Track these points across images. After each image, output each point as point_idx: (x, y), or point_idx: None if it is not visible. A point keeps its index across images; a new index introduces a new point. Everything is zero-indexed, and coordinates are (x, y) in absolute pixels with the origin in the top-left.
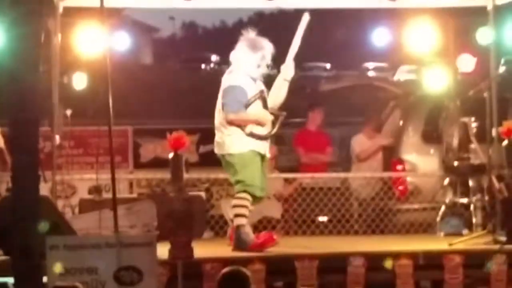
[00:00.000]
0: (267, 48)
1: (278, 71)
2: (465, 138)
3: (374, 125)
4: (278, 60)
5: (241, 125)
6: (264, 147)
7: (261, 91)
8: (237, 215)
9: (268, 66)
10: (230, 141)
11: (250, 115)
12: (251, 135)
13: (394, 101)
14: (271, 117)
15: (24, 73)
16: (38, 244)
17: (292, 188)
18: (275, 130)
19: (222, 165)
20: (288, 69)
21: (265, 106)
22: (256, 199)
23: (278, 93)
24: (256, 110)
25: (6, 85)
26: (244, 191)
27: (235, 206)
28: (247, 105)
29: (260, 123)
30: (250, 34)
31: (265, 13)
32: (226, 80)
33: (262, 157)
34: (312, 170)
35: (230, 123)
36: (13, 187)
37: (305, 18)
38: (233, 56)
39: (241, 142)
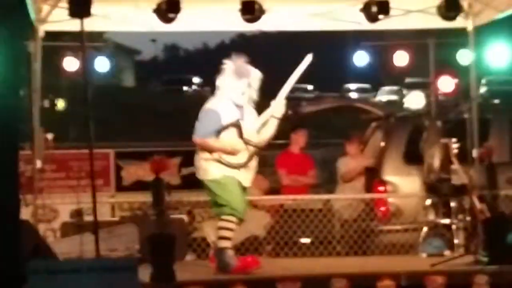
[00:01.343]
0: (253, 75)
1: (263, 97)
2: (446, 159)
3: (357, 146)
4: (264, 82)
5: (207, 151)
6: (241, 176)
7: (237, 120)
8: (221, 238)
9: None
10: (205, 166)
11: (217, 142)
12: (219, 161)
13: (375, 122)
14: (243, 147)
15: (4, 97)
16: (19, 270)
17: (274, 210)
18: (244, 161)
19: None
20: (278, 107)
21: (240, 135)
22: (241, 220)
23: (265, 129)
24: (228, 138)
25: None
26: (231, 214)
27: (220, 228)
28: (219, 131)
29: (227, 152)
30: (237, 59)
31: (247, 35)
32: (206, 103)
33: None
34: (294, 192)
35: (198, 146)
36: None
37: (308, 59)
38: (218, 81)
39: (214, 167)
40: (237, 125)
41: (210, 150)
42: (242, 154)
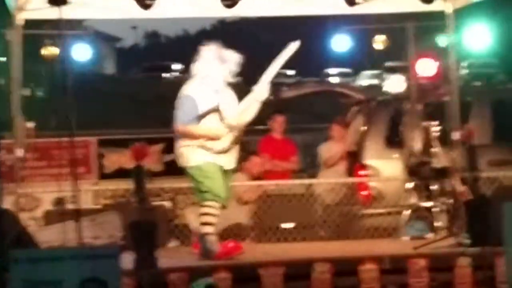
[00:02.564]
0: (234, 59)
1: (244, 82)
2: (427, 142)
3: (342, 130)
4: (243, 68)
5: (190, 138)
6: (223, 160)
7: (217, 105)
8: (204, 223)
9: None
10: (187, 153)
11: (199, 129)
12: (202, 147)
13: (356, 107)
14: (225, 132)
15: None
16: (0, 258)
17: (256, 194)
18: (227, 145)
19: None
20: (261, 91)
21: (221, 119)
22: (222, 207)
23: (247, 112)
24: (209, 123)
25: None
26: (213, 200)
27: (202, 214)
28: (200, 117)
29: (210, 138)
30: (215, 45)
31: (227, 22)
32: (183, 89)
33: (222, 168)
34: (277, 177)
35: (180, 134)
36: None
37: (294, 46)
38: (196, 66)
39: (196, 154)
40: (217, 110)
41: (193, 137)
42: (225, 139)
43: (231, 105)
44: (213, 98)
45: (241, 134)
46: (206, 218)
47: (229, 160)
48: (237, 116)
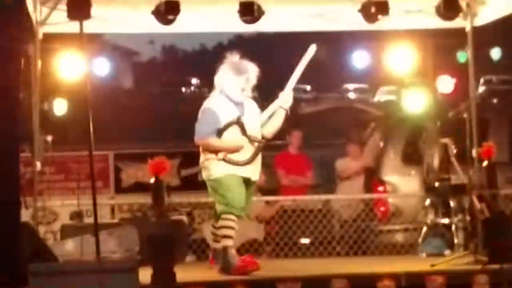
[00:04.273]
0: (252, 70)
1: (261, 97)
2: (445, 159)
3: (358, 147)
4: (260, 83)
5: (210, 151)
6: (246, 171)
7: (238, 117)
8: (224, 236)
9: (252, 89)
10: (209, 166)
11: (220, 142)
12: (224, 160)
13: (374, 123)
14: (246, 144)
15: (3, 99)
16: (19, 272)
17: (274, 210)
18: (249, 158)
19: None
20: (286, 97)
21: (243, 132)
22: (239, 218)
23: (273, 121)
24: (231, 136)
25: None
26: (230, 212)
27: (221, 227)
28: (220, 130)
29: (231, 151)
30: (233, 57)
31: (244, 36)
32: (204, 103)
33: (247, 180)
34: (293, 193)
35: (201, 147)
36: None
37: (312, 49)
38: (216, 79)
39: (218, 167)
40: (239, 123)
41: (213, 150)
42: (247, 151)
43: (253, 116)
44: (233, 111)
45: (264, 146)
46: (226, 231)
47: (253, 171)
48: (259, 127)
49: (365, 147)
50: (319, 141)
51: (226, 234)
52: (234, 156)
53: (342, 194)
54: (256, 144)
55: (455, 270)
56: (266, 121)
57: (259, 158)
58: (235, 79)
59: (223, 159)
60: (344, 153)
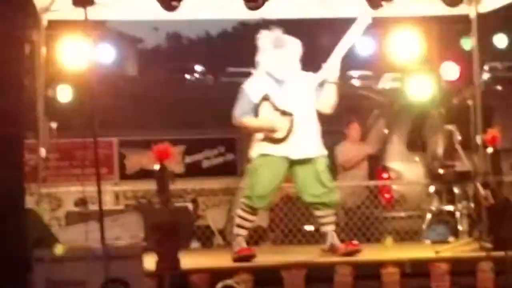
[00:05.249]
0: (292, 43)
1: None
2: (450, 146)
3: (357, 131)
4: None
5: (247, 131)
6: (284, 150)
7: (266, 94)
8: (236, 225)
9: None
10: (252, 148)
11: (254, 121)
12: (264, 139)
13: (378, 110)
14: (281, 121)
15: (8, 86)
16: (24, 257)
17: (278, 197)
18: (286, 133)
19: None
20: (332, 69)
21: (275, 107)
22: (255, 209)
23: (324, 97)
24: (263, 114)
25: None
26: (249, 206)
27: (238, 216)
28: (254, 109)
29: (267, 129)
30: (272, 32)
31: (249, 24)
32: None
33: (290, 160)
34: None
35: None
36: None
37: (365, 18)
38: (257, 58)
39: (256, 148)
40: (268, 99)
41: (249, 130)
42: (282, 127)
43: (296, 93)
44: (269, 88)
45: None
46: (237, 220)
47: (293, 149)
48: (307, 102)
49: (369, 134)
50: (323, 128)
51: (237, 223)
52: (272, 134)
53: (344, 181)
54: (289, 119)
55: (459, 257)
56: (316, 97)
57: (302, 132)
58: (273, 53)
59: (264, 138)
60: (343, 136)
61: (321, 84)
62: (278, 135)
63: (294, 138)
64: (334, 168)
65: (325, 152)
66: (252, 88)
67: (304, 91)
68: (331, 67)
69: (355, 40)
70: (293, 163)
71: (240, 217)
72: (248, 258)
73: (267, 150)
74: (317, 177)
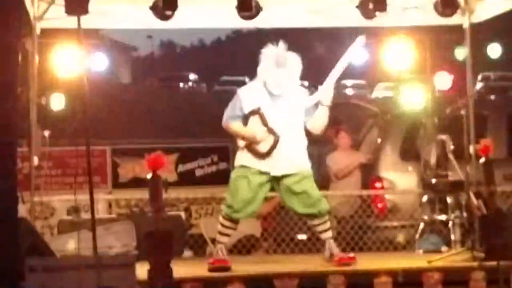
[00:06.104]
0: (293, 62)
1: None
2: (443, 156)
3: (347, 139)
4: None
5: (233, 136)
6: (265, 164)
7: (258, 108)
8: (219, 232)
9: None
10: (236, 155)
11: (238, 128)
12: (246, 149)
13: (371, 119)
14: (265, 136)
15: (1, 94)
16: (16, 267)
17: (271, 206)
18: (268, 150)
19: None
20: (326, 93)
21: (264, 123)
22: (234, 218)
23: (316, 119)
24: (251, 125)
25: None
26: (229, 217)
27: (220, 224)
28: (243, 117)
29: (249, 140)
30: (275, 48)
31: (243, 32)
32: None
33: (270, 176)
34: None
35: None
36: None
37: (359, 41)
38: (258, 69)
39: (239, 156)
40: (258, 113)
41: (234, 135)
42: (268, 143)
43: (288, 110)
44: (263, 100)
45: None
46: (221, 229)
47: (274, 166)
48: (285, 121)
49: (362, 144)
50: (316, 137)
51: (220, 231)
52: (255, 146)
53: (337, 190)
54: (274, 137)
55: (452, 267)
56: (309, 117)
57: (287, 150)
58: (274, 72)
59: (245, 147)
60: (333, 146)
61: (315, 106)
62: (261, 148)
63: (277, 155)
64: (325, 178)
65: (308, 165)
66: (246, 97)
67: (296, 108)
68: (326, 90)
69: (349, 61)
70: (276, 178)
71: (221, 224)
72: (222, 269)
73: (248, 162)
74: (302, 190)
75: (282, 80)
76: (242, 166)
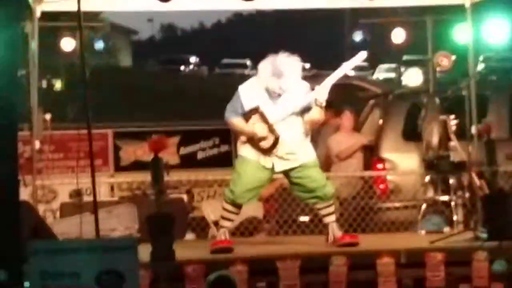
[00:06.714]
0: (290, 73)
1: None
2: (444, 136)
3: (350, 120)
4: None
5: (233, 131)
6: (266, 160)
7: (257, 106)
8: (222, 217)
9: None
10: (238, 146)
11: (240, 124)
12: (249, 143)
13: (373, 100)
14: (264, 133)
15: (1, 78)
16: (18, 250)
17: (273, 188)
18: (268, 147)
19: None
20: (321, 92)
21: (264, 120)
22: (236, 203)
23: (309, 116)
24: (252, 122)
25: None
26: (228, 196)
27: (223, 209)
28: (244, 114)
29: (249, 136)
30: (276, 57)
31: (243, 15)
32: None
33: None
34: None
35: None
36: None
37: (361, 55)
38: (259, 66)
39: (242, 147)
40: (258, 112)
41: (234, 131)
42: (267, 141)
43: (286, 107)
44: (260, 97)
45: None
46: (224, 214)
47: (280, 162)
48: (283, 119)
49: (364, 125)
50: None
51: (223, 215)
52: (256, 142)
53: (340, 171)
54: (275, 135)
55: (454, 247)
56: (302, 115)
57: (288, 145)
58: (273, 81)
59: (248, 141)
60: (336, 128)
61: (311, 104)
62: (263, 145)
63: (280, 151)
64: (327, 160)
65: (313, 156)
66: (247, 94)
67: (296, 104)
68: (322, 90)
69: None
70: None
71: (224, 209)
72: (224, 250)
73: (250, 155)
74: (308, 176)
75: (281, 87)
76: (246, 157)
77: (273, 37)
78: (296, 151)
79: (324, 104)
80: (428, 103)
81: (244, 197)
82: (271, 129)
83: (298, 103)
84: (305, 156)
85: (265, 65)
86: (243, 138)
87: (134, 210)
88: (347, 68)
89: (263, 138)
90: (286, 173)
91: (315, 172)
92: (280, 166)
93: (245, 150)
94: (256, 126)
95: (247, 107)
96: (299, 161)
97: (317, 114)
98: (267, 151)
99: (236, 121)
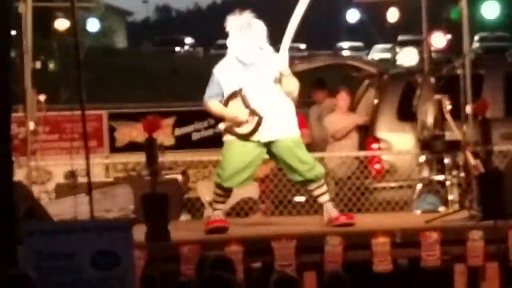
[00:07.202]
0: (255, 24)
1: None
2: (439, 116)
3: (346, 101)
4: None
5: (214, 116)
6: (254, 138)
7: (240, 89)
8: (212, 200)
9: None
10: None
11: (219, 109)
12: (226, 131)
13: (368, 80)
14: (245, 117)
15: None
16: (13, 231)
17: (268, 169)
18: (250, 131)
19: None
20: (278, 59)
21: (245, 104)
22: (225, 187)
23: (284, 89)
24: (233, 107)
25: None
26: (221, 185)
27: (214, 194)
28: (225, 100)
29: (230, 121)
30: (239, 15)
31: None
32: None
33: (263, 144)
34: None
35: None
36: None
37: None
38: (227, 41)
39: (224, 135)
40: (240, 94)
41: (215, 116)
42: (250, 124)
43: (263, 80)
44: (240, 77)
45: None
46: (216, 198)
47: (264, 133)
48: (264, 98)
49: (359, 105)
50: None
51: (214, 199)
52: (237, 129)
53: (335, 151)
54: (256, 118)
55: (449, 226)
56: (278, 89)
57: (270, 116)
58: (241, 36)
59: (226, 131)
60: (332, 107)
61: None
62: (242, 130)
63: (264, 123)
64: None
65: (297, 131)
66: (222, 74)
67: (269, 75)
68: (280, 58)
69: (301, 14)
70: (268, 148)
71: (215, 193)
72: (219, 230)
73: (234, 138)
74: (295, 157)
75: (249, 45)
76: (229, 139)
77: (268, 17)
78: (282, 123)
79: (287, 72)
80: (423, 83)
81: (232, 180)
82: (253, 112)
83: (273, 71)
84: (291, 130)
85: (232, 18)
86: (221, 126)
87: (129, 191)
88: (295, 23)
89: (244, 123)
90: (272, 150)
91: (303, 151)
92: (265, 137)
93: (227, 136)
94: (236, 110)
95: (226, 88)
96: (284, 134)
97: (290, 83)
98: (248, 135)
99: (214, 104)
